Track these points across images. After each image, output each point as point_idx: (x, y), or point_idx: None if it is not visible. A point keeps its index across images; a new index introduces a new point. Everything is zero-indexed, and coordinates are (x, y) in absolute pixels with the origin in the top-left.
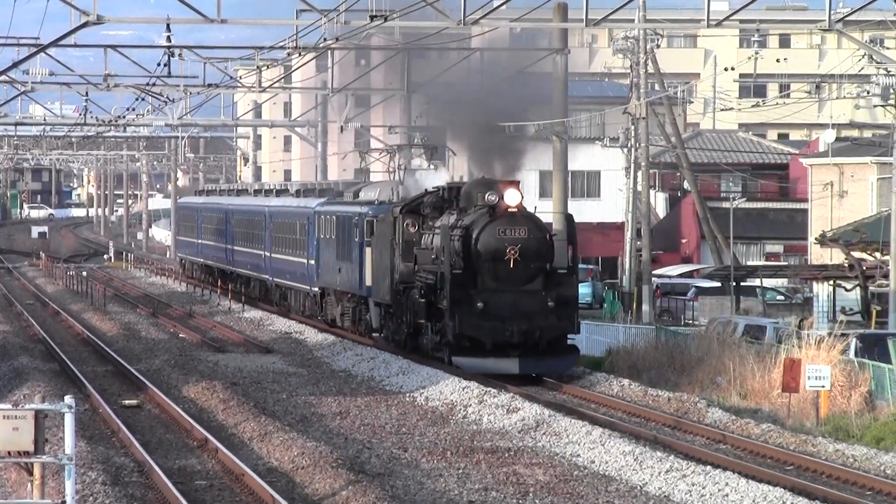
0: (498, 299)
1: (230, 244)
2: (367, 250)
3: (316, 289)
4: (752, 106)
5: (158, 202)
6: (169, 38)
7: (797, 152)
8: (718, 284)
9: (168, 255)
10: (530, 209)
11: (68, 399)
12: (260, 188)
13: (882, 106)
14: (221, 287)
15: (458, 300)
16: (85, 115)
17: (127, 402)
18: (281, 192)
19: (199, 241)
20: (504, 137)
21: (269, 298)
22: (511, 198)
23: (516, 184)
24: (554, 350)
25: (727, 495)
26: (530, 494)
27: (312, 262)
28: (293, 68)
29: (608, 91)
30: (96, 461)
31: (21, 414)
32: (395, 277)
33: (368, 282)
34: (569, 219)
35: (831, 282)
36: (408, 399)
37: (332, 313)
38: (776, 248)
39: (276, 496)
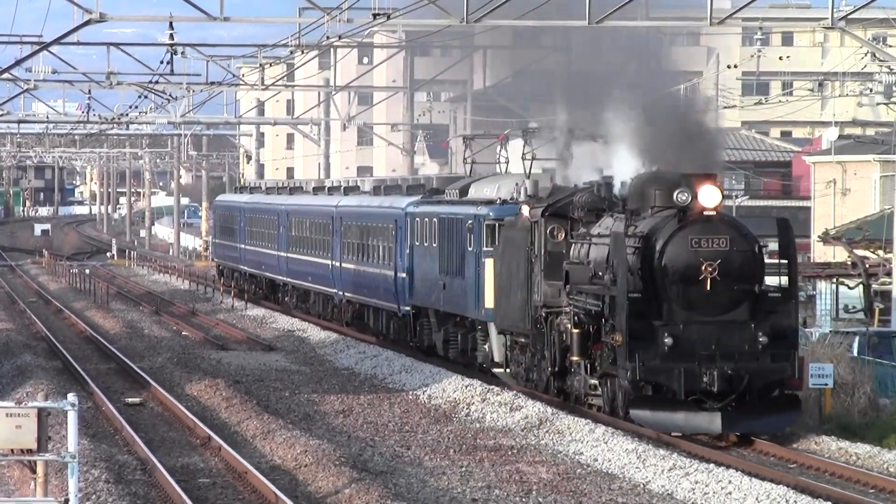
0: (691, 333)
1: (284, 251)
2: (488, 263)
3: (407, 308)
4: (755, 104)
5: (161, 200)
6: (172, 36)
7: (800, 150)
8: None
9: (171, 253)
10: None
11: (71, 397)
12: (321, 185)
13: (885, 104)
14: (273, 300)
15: (637, 334)
16: (88, 112)
17: (130, 399)
18: (350, 190)
19: (242, 245)
20: (695, 119)
21: (334, 315)
22: (708, 197)
23: (713, 178)
24: (767, 401)
25: (730, 493)
26: (533, 492)
27: (403, 275)
28: (296, 66)
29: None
30: (99, 459)
31: (24, 412)
32: (533, 299)
33: (488, 303)
34: (783, 224)
35: (834, 280)
36: (411, 397)
37: (429, 339)
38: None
39: (280, 494)
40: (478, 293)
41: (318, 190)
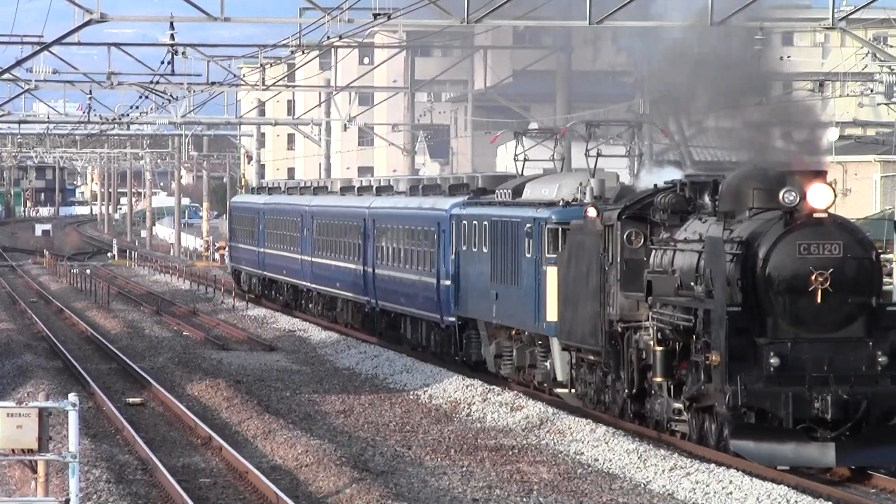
0: (801, 352)
1: (308, 255)
2: (550, 271)
3: (452, 319)
4: (756, 104)
5: (162, 200)
6: (172, 37)
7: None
8: None
9: (172, 253)
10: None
11: (72, 397)
12: (349, 185)
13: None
14: (296, 308)
15: (738, 353)
16: (88, 113)
17: (131, 399)
18: (383, 190)
19: (262, 249)
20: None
21: (365, 324)
22: (819, 197)
23: (823, 175)
24: (887, 429)
25: (731, 493)
26: (534, 492)
27: (447, 283)
28: (297, 66)
29: (611, 89)
30: (100, 459)
31: (25, 412)
32: (606, 312)
33: (551, 316)
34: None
35: None
36: (411, 397)
37: (477, 354)
38: None
39: (281, 494)
40: (538, 304)
41: (346, 190)
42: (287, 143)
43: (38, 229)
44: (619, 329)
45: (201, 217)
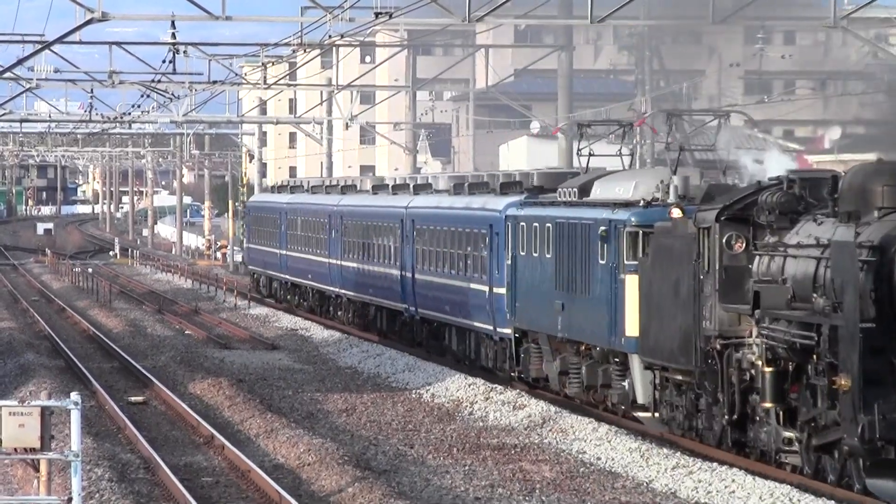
0: None
1: (337, 258)
2: (630, 279)
3: (506, 331)
4: (757, 102)
5: (164, 199)
6: (174, 35)
7: (802, 149)
8: None
9: (173, 252)
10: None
11: (74, 396)
12: (381, 183)
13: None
14: (322, 314)
15: (873, 376)
16: (90, 111)
17: (133, 398)
18: (421, 189)
19: (284, 251)
20: None
21: (402, 333)
22: None
23: None
24: None
25: (733, 492)
26: (536, 491)
27: (501, 291)
28: (298, 65)
29: (613, 88)
30: (102, 458)
31: (27, 410)
32: (701, 326)
33: (631, 330)
34: None
35: None
36: (414, 396)
37: (538, 370)
38: None
39: (283, 493)
40: (614, 317)
41: (378, 188)
42: (289, 141)
43: (40, 228)
44: (718, 346)
45: (203, 216)
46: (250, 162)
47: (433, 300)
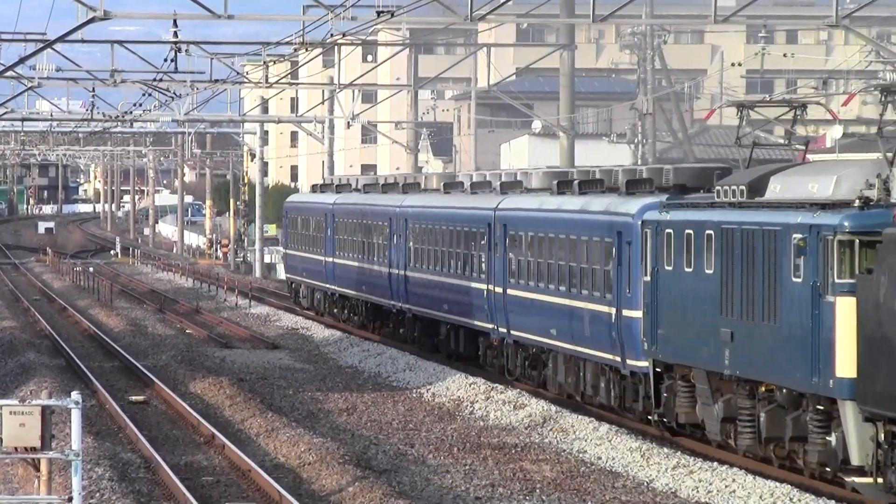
0: None
1: (400, 268)
2: (842, 302)
3: (642, 364)
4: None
5: (165, 198)
6: (176, 34)
7: (804, 148)
8: None
9: (174, 251)
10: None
11: (75, 395)
12: (453, 181)
13: (889, 102)
14: (375, 331)
15: None
16: (92, 110)
17: (134, 397)
18: (510, 187)
19: (330, 259)
20: None
21: (487, 359)
22: None
23: None
24: None
25: (734, 492)
26: (537, 490)
27: (634, 313)
28: (300, 64)
29: (615, 87)
30: (103, 457)
31: (28, 410)
32: None
33: (844, 369)
34: None
35: None
36: (414, 395)
37: (688, 413)
38: None
39: (284, 492)
40: (816, 351)
41: (450, 186)
42: (290, 140)
43: (41, 227)
44: None
45: (204, 215)
46: (252, 161)
47: (532, 321)
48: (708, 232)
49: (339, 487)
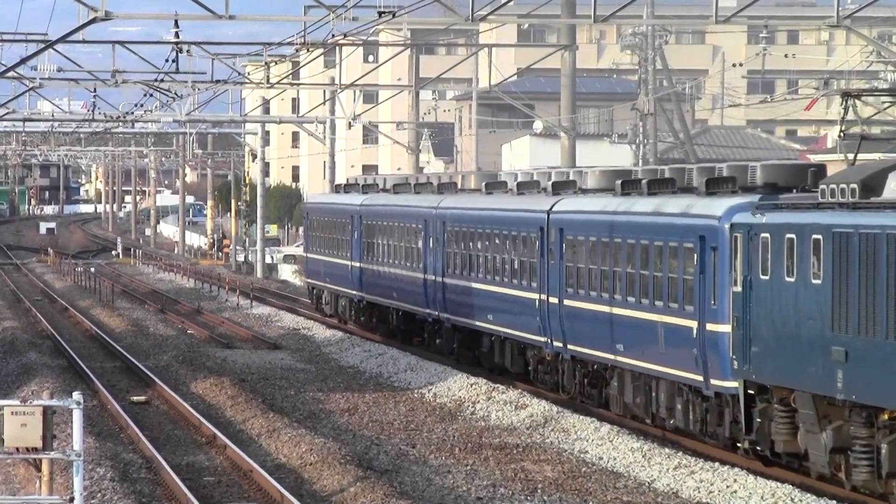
0: None
1: (438, 274)
2: None
3: (731, 384)
4: (761, 102)
5: (166, 198)
6: (177, 35)
7: (805, 149)
8: None
9: (176, 251)
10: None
11: (76, 395)
12: (495, 181)
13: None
14: (408, 341)
15: None
16: (93, 111)
17: (135, 398)
18: (563, 187)
19: (357, 263)
20: None
21: (538, 375)
22: None
23: None
24: None
25: (735, 492)
26: (538, 491)
27: (721, 328)
28: (301, 64)
29: (616, 87)
30: (104, 457)
31: (29, 410)
32: None
33: None
34: None
35: None
36: (416, 395)
37: (789, 441)
38: None
39: (285, 492)
40: None
41: (493, 187)
42: (291, 141)
43: (43, 227)
44: None
45: (206, 215)
46: (253, 161)
47: (594, 337)
48: (815, 236)
49: (341, 488)
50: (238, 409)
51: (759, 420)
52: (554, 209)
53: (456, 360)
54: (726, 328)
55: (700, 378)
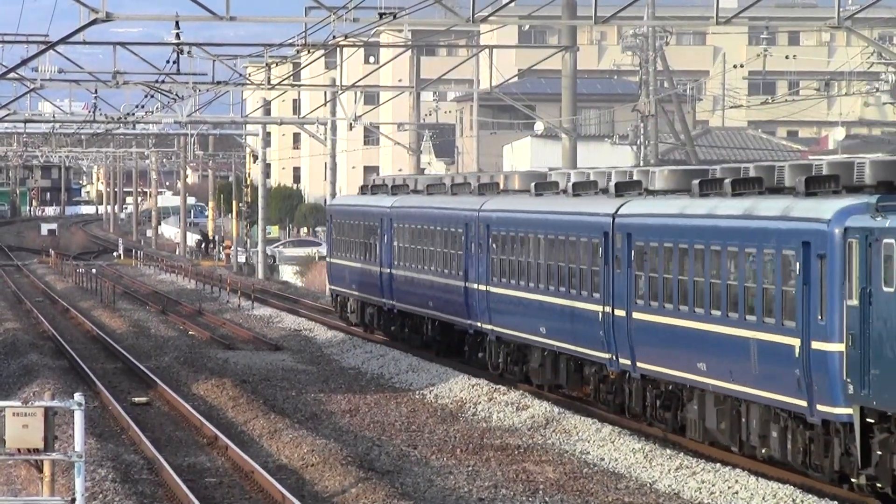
0: None
1: (482, 282)
2: None
3: (843, 411)
4: (761, 103)
5: (167, 199)
6: (178, 36)
7: (806, 150)
8: None
9: (177, 252)
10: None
11: (78, 396)
12: (545, 181)
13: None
14: (445, 354)
15: None
16: (94, 112)
17: (136, 399)
18: (626, 188)
19: (387, 269)
20: None
21: (599, 395)
22: None
23: None
24: None
25: (737, 493)
26: (540, 492)
27: (830, 346)
28: (302, 66)
29: (617, 88)
30: (106, 458)
31: (31, 411)
32: None
33: None
34: None
35: None
36: (417, 396)
37: None
38: None
39: (287, 493)
40: None
41: (543, 187)
42: (292, 142)
43: (44, 229)
44: None
45: (207, 216)
46: (254, 162)
47: (669, 355)
48: None
49: (342, 489)
50: (239, 410)
51: (879, 452)
52: (620, 212)
53: (500, 376)
54: (838, 347)
55: (803, 403)
